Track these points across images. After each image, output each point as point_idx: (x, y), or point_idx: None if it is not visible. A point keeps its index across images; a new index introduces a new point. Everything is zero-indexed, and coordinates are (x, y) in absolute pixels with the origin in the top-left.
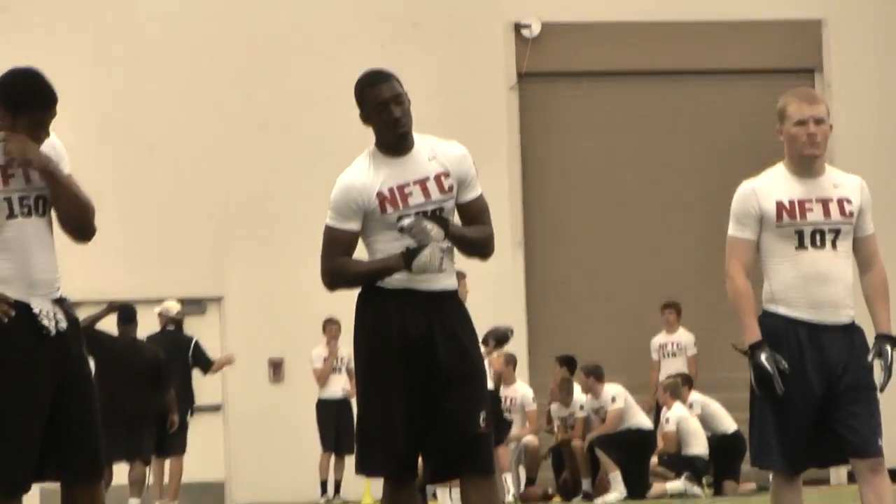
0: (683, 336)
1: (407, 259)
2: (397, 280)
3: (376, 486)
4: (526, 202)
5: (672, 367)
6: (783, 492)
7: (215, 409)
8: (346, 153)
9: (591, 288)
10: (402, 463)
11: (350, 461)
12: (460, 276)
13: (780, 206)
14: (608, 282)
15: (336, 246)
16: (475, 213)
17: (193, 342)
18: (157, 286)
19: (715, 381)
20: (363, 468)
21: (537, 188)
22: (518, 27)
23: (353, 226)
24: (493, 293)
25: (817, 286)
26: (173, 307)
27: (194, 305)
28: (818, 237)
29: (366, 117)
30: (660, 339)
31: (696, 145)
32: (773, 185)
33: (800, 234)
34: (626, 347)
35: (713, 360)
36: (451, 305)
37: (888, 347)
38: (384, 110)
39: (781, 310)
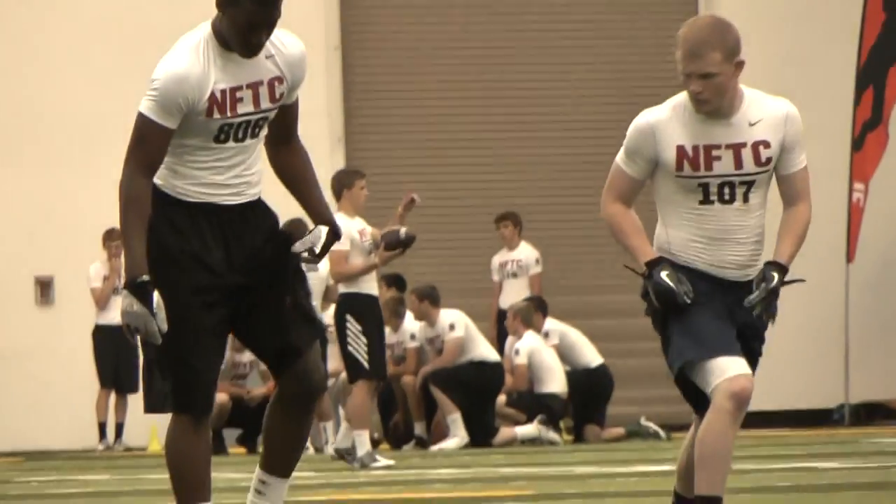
0: (524, 252)
1: (130, 286)
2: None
3: (164, 429)
4: (347, 90)
5: (513, 289)
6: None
7: None
8: (131, 42)
9: (427, 193)
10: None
11: (133, 400)
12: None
13: None
14: (444, 188)
15: (149, 143)
16: (291, 115)
17: None
18: None
19: (571, 306)
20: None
21: (361, 74)
22: None
23: (172, 124)
24: None
25: None
26: None
27: None
28: None
29: (223, 9)
30: (500, 256)
31: (556, 21)
32: None
33: None
34: (466, 268)
35: (567, 282)
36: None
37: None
38: (251, 32)
39: None
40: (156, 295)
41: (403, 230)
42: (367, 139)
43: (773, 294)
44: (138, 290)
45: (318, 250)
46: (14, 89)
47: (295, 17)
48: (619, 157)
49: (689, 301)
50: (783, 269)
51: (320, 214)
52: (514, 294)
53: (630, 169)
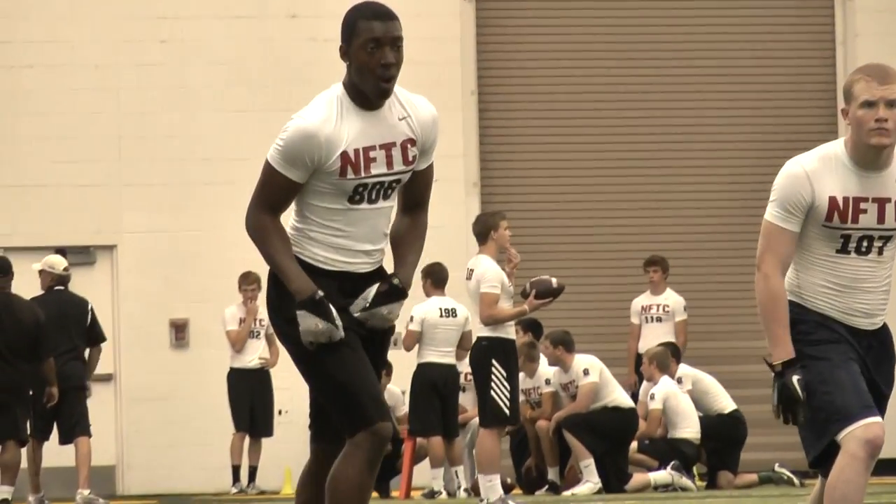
0: (671, 298)
1: (308, 305)
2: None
3: (298, 472)
4: (483, 137)
5: (655, 334)
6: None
7: (106, 379)
8: (264, 83)
9: (558, 240)
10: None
11: (267, 443)
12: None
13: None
14: (580, 233)
15: (273, 190)
16: (421, 185)
17: (91, 310)
18: (36, 233)
19: (706, 354)
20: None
21: (496, 121)
22: None
23: (298, 177)
24: (441, 242)
25: None
26: (59, 263)
27: (82, 255)
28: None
29: (348, 51)
30: (642, 300)
31: (692, 67)
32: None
33: None
34: (601, 313)
35: (704, 329)
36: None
37: None
38: (376, 50)
39: None
40: (332, 308)
41: (555, 280)
42: (502, 183)
43: None
44: (318, 307)
45: (368, 304)
46: (150, 131)
47: (433, 62)
48: (773, 215)
49: (808, 416)
50: None
51: (398, 268)
52: (656, 339)
53: (789, 224)
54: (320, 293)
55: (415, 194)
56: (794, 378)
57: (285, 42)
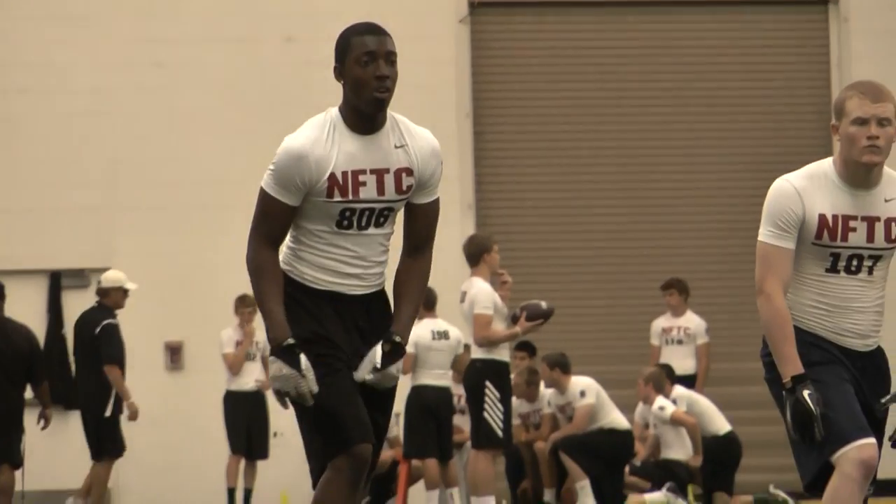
0: (693, 321)
1: (277, 352)
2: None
3: (294, 495)
4: (478, 157)
5: (676, 355)
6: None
7: None
8: (259, 106)
9: (554, 261)
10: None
11: (262, 466)
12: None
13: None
14: (576, 254)
15: (269, 217)
16: (423, 219)
17: (104, 325)
18: (30, 256)
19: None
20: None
21: (492, 141)
22: None
23: (292, 201)
24: (436, 264)
25: None
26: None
27: (76, 278)
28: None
29: (342, 70)
30: (662, 322)
31: (688, 88)
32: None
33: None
34: (598, 335)
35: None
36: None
37: None
38: (370, 63)
39: None
40: (303, 357)
41: (545, 303)
42: (498, 205)
43: None
44: (285, 353)
45: (378, 366)
46: (145, 154)
47: (427, 85)
48: (768, 235)
49: (823, 433)
50: None
51: (396, 325)
52: (676, 361)
53: (784, 241)
54: (290, 340)
55: (417, 232)
56: (806, 392)
57: (281, 65)
